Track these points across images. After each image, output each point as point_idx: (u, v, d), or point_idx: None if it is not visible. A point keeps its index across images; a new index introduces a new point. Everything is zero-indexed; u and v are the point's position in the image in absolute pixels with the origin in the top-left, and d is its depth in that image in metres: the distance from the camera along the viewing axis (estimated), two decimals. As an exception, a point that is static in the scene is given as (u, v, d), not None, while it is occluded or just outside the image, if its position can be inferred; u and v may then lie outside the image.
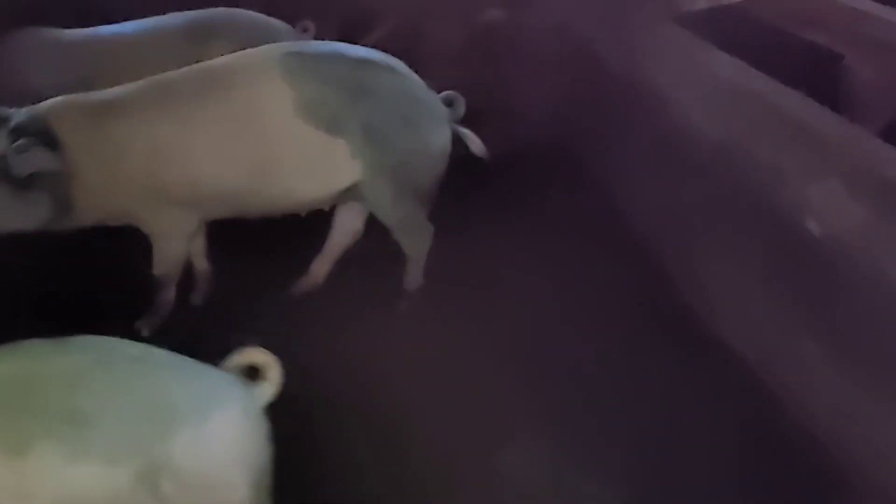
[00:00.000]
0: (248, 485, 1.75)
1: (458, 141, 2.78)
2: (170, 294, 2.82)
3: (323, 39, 3.07)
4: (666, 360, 2.70)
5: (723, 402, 2.55)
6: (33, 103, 2.58)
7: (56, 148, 2.45)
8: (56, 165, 2.45)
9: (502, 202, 3.24)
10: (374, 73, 2.62)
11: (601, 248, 3.13)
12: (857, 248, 2.28)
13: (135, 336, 2.16)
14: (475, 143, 2.79)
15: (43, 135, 2.44)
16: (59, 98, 2.56)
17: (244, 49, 2.72)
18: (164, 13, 3.24)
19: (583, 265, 3.05)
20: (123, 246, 2.83)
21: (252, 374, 1.88)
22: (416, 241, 2.88)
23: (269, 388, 1.86)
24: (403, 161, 2.66)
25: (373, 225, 2.94)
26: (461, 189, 2.87)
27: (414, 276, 2.95)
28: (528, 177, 3.46)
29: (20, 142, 2.39)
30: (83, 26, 3.21)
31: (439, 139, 2.71)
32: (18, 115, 2.47)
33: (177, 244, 2.74)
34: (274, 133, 2.56)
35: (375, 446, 2.49)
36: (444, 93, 2.78)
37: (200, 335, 2.65)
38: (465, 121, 2.80)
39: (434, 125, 2.70)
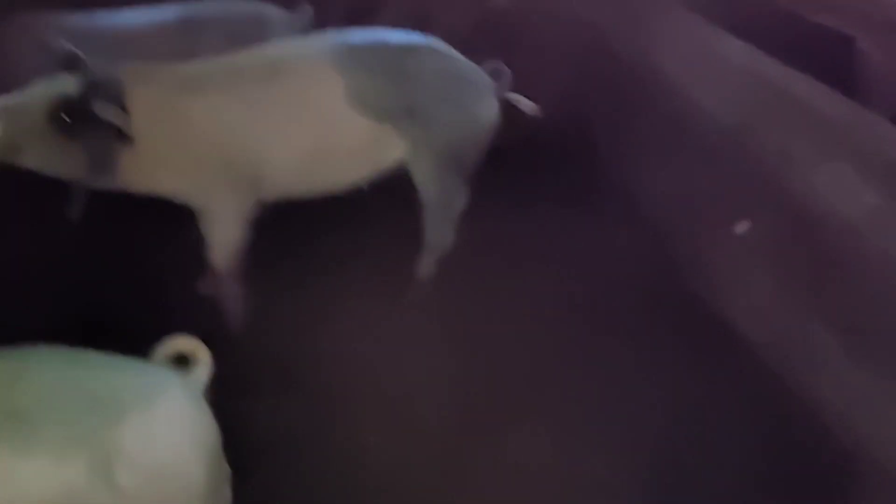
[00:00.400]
0: (203, 466, 1.75)
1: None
2: (233, 286, 2.80)
3: (329, 24, 3.06)
4: (673, 343, 2.70)
5: (730, 386, 2.54)
6: None
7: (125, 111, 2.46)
8: (126, 126, 2.45)
9: (513, 189, 3.23)
10: (417, 58, 2.68)
11: (611, 233, 3.12)
12: (866, 232, 2.27)
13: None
14: (526, 105, 2.83)
15: (116, 96, 2.45)
16: (135, 65, 2.58)
17: (235, 42, 2.78)
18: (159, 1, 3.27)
19: (593, 250, 3.04)
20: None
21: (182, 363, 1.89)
22: (447, 222, 2.90)
23: (202, 372, 1.87)
24: (448, 138, 2.71)
25: (385, 214, 2.94)
26: (472, 175, 2.87)
27: (428, 263, 2.96)
28: (539, 163, 3.46)
29: (108, 89, 2.42)
30: (79, 13, 3.21)
31: (484, 112, 2.76)
32: (95, 68, 2.47)
33: (233, 229, 2.71)
34: (327, 120, 2.60)
35: (385, 430, 2.50)
36: (487, 65, 2.81)
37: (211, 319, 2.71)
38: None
39: (478, 100, 2.76)
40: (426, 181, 2.79)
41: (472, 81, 2.76)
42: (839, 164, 2.37)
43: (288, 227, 2.83)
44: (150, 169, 2.57)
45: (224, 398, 2.54)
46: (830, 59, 2.93)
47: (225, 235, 2.71)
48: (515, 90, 2.89)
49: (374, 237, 3.00)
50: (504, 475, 2.39)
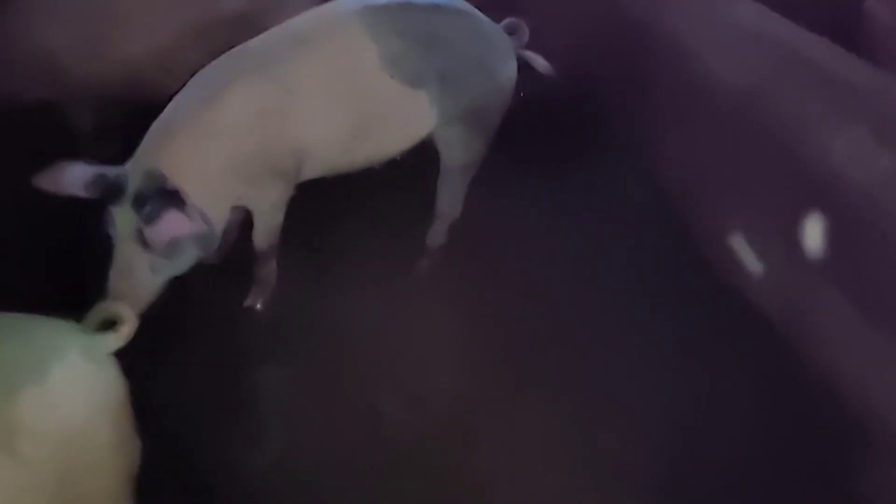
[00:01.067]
0: (107, 427, 1.77)
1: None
2: (273, 263, 2.78)
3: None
4: (685, 313, 2.69)
5: (743, 355, 2.54)
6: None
7: (180, 200, 2.30)
8: (196, 226, 2.31)
9: (521, 155, 3.21)
10: (444, 19, 2.60)
11: (621, 200, 3.10)
12: (882, 198, 2.24)
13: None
14: (541, 64, 2.80)
15: (162, 189, 2.28)
16: (150, 134, 2.40)
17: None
18: None
19: (603, 218, 3.02)
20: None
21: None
22: (463, 187, 2.86)
23: (116, 337, 1.88)
24: (478, 104, 2.65)
25: (391, 184, 2.92)
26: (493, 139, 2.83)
27: (439, 231, 2.94)
28: (548, 129, 3.42)
29: (146, 210, 2.24)
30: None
31: (509, 73, 2.72)
32: (129, 175, 2.29)
33: (279, 214, 2.68)
34: (365, 90, 2.51)
35: (395, 401, 2.51)
36: (504, 21, 2.76)
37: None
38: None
39: (503, 61, 2.70)
40: (454, 148, 2.72)
41: (497, 42, 2.69)
42: (855, 129, 2.33)
43: (295, 199, 2.82)
44: (218, 209, 2.46)
45: (238, 368, 2.57)
46: (837, 19, 2.88)
47: (271, 221, 2.67)
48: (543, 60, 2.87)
49: (383, 208, 2.99)
50: (515, 446, 2.41)
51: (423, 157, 2.77)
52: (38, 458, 1.65)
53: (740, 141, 2.77)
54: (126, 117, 3.11)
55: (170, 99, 2.49)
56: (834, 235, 2.39)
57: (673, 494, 2.28)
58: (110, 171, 2.28)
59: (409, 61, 2.51)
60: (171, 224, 2.24)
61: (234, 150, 2.40)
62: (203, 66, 2.82)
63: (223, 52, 2.86)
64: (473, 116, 2.66)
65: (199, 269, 2.80)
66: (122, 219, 2.28)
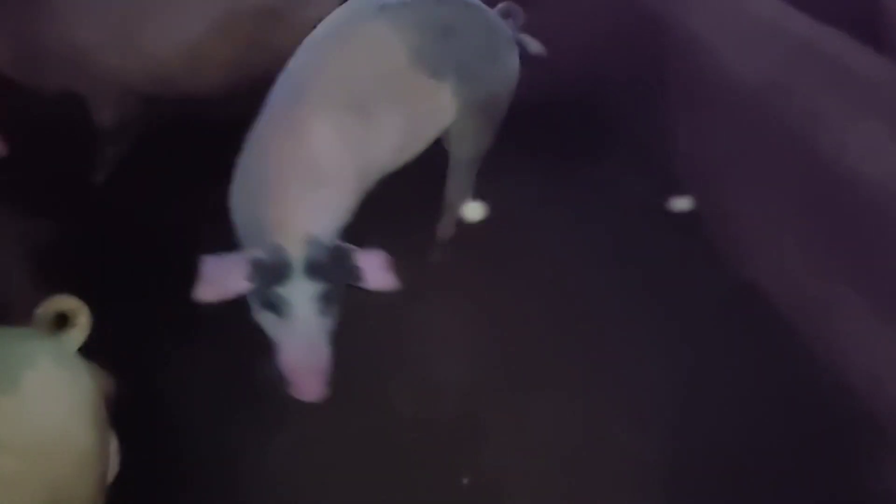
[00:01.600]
0: (84, 428, 1.72)
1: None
2: None
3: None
4: (698, 306, 2.69)
5: (756, 349, 2.53)
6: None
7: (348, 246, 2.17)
8: (377, 251, 2.18)
9: (532, 148, 3.20)
10: (454, 10, 2.57)
11: (633, 192, 3.09)
12: (897, 192, 2.23)
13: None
14: (534, 45, 2.78)
15: (327, 246, 2.13)
16: (258, 204, 2.19)
17: None
18: None
19: (614, 210, 3.02)
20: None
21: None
22: (471, 176, 2.85)
23: (77, 333, 1.83)
24: (491, 93, 2.63)
25: (402, 177, 2.92)
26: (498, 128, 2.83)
27: (449, 223, 2.94)
28: (559, 122, 3.42)
29: (346, 269, 2.11)
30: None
31: (514, 61, 2.70)
32: (273, 251, 2.09)
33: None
34: (404, 91, 2.44)
35: (406, 393, 2.51)
36: (499, 6, 2.75)
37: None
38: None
39: (508, 48, 2.68)
40: (465, 140, 2.69)
41: (500, 30, 2.68)
42: (871, 123, 2.32)
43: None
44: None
45: (249, 360, 2.57)
46: (854, 12, 2.86)
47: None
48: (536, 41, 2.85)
49: (393, 201, 2.99)
50: (523, 440, 2.41)
51: (430, 150, 2.77)
52: (13, 472, 1.58)
53: (755, 134, 2.77)
54: (142, 112, 3.16)
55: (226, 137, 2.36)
56: (846, 231, 2.38)
57: (683, 490, 2.27)
58: (257, 256, 2.09)
59: (432, 55, 2.47)
60: (373, 265, 2.13)
61: (342, 186, 2.30)
62: (230, 61, 2.79)
63: (250, 46, 2.86)
64: (487, 107, 2.65)
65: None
66: (296, 293, 2.10)
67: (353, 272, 2.11)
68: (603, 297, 2.76)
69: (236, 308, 2.63)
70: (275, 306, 2.11)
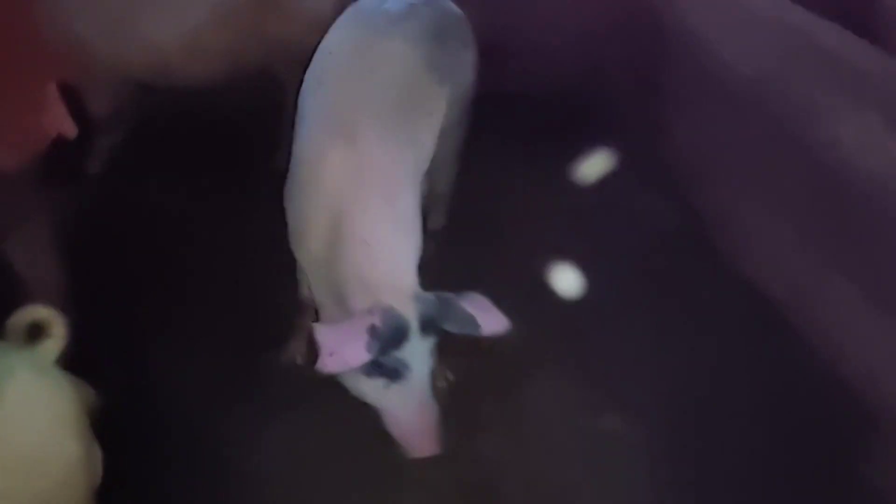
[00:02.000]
0: (69, 437, 1.70)
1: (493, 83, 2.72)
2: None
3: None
4: (694, 297, 2.69)
5: (751, 340, 2.53)
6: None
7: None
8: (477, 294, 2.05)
9: (529, 141, 3.20)
10: (437, 11, 2.55)
11: (631, 185, 3.09)
12: (892, 184, 2.23)
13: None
14: None
15: (433, 297, 2.00)
16: (348, 269, 2.05)
17: None
18: None
19: (611, 202, 3.02)
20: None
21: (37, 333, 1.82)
22: (455, 166, 2.82)
23: (54, 343, 1.80)
24: (466, 87, 2.60)
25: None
26: (489, 129, 2.82)
27: (440, 214, 2.94)
28: (557, 115, 3.41)
29: (461, 318, 1.97)
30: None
31: (475, 51, 2.65)
32: (386, 312, 1.94)
33: None
34: (429, 103, 2.41)
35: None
36: None
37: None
38: (490, 58, 2.75)
39: (470, 37, 2.63)
40: (449, 135, 2.62)
41: (461, 16, 2.64)
42: (867, 116, 2.32)
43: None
44: None
45: (244, 354, 2.57)
46: (850, 5, 2.86)
47: None
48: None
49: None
50: (522, 425, 2.41)
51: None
52: (9, 489, 1.57)
53: (751, 127, 2.77)
54: (138, 101, 3.15)
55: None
56: (842, 222, 2.38)
57: (678, 480, 2.27)
58: (373, 323, 1.93)
59: (433, 59, 2.44)
60: (481, 309, 2.01)
61: (418, 226, 2.23)
62: (228, 49, 2.77)
63: (248, 34, 2.83)
64: (464, 102, 2.62)
65: (204, 265, 2.84)
66: (415, 355, 1.99)
67: (467, 321, 1.97)
68: (595, 285, 2.77)
69: (227, 304, 2.64)
70: (391, 371, 1.97)
